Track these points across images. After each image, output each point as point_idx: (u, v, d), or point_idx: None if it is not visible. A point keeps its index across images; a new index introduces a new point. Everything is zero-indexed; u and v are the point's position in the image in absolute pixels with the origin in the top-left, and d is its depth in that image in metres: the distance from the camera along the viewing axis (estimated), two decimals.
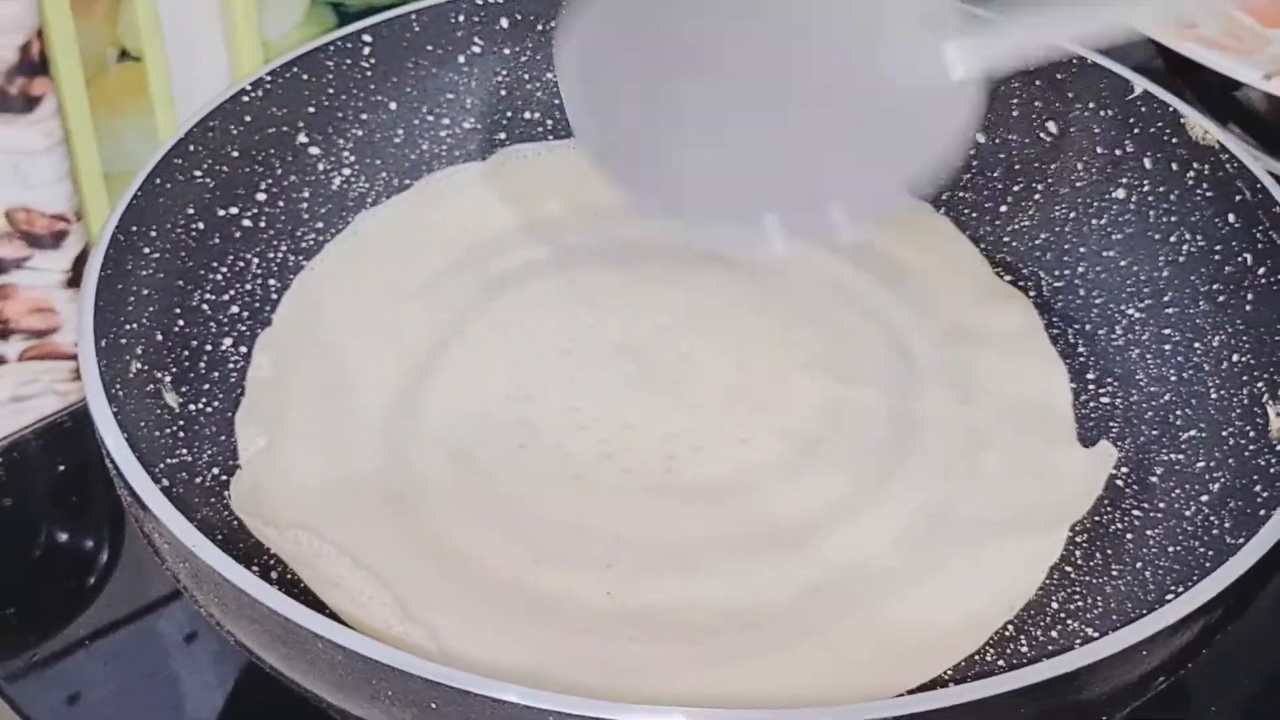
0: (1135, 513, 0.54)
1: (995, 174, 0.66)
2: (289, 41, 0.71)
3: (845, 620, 0.51)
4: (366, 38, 0.65)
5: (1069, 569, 0.53)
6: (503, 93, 0.68)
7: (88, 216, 0.69)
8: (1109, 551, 0.53)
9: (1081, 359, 0.60)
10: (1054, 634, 0.51)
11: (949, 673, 0.50)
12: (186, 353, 0.57)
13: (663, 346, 0.59)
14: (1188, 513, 0.54)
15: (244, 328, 0.60)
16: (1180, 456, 0.56)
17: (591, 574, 0.52)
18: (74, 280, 0.69)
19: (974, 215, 0.65)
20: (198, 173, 0.60)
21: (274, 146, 0.63)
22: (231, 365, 0.59)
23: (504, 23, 0.67)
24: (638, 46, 0.54)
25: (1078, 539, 0.54)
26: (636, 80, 0.54)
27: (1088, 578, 0.53)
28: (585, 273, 0.62)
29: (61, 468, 0.65)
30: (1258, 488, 0.52)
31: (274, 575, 0.52)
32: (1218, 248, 0.59)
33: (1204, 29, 0.73)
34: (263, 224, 0.62)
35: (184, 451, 0.55)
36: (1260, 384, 0.55)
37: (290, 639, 0.45)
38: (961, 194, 0.66)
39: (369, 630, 0.49)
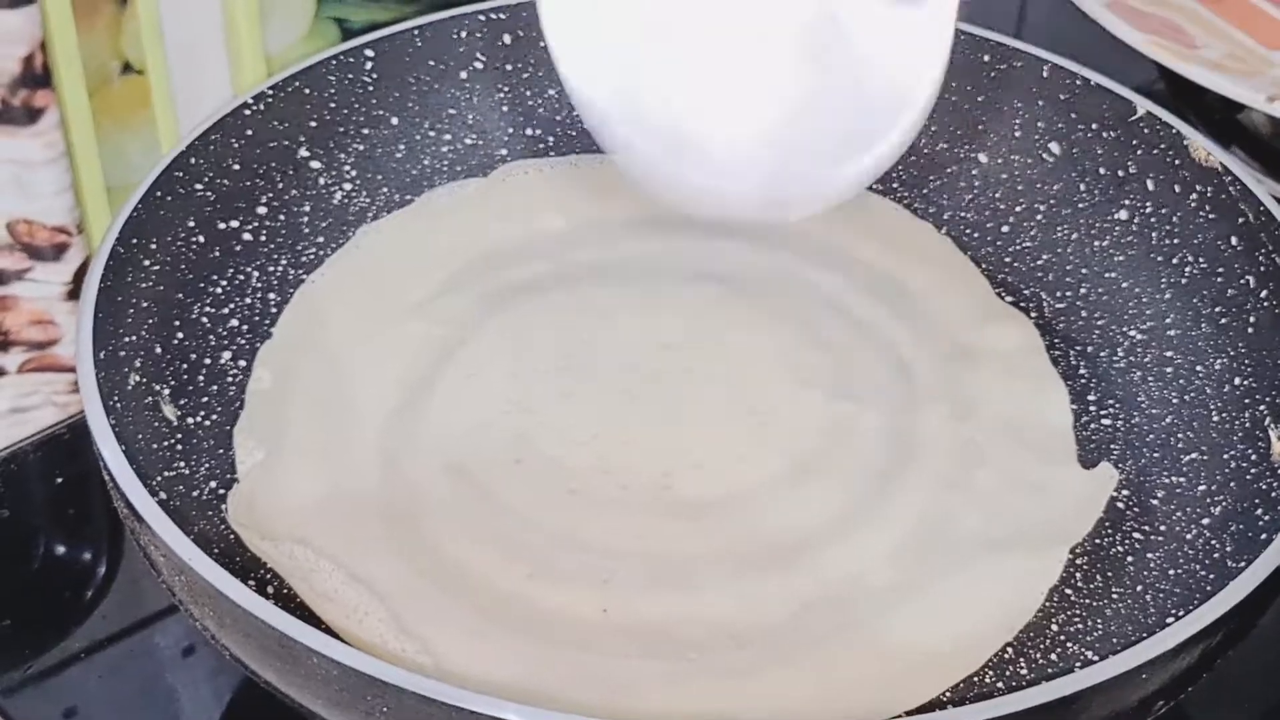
0: (1136, 535, 0.54)
1: (997, 194, 0.66)
2: (292, 56, 0.72)
3: (843, 638, 0.51)
4: (369, 52, 0.65)
5: (1069, 591, 0.53)
6: (504, 109, 0.68)
7: (89, 229, 0.69)
8: (1109, 574, 0.53)
9: (1083, 380, 0.60)
10: (1053, 656, 0.51)
11: (947, 694, 0.50)
12: (185, 366, 0.57)
13: (663, 363, 0.59)
14: (1189, 536, 0.53)
15: (243, 341, 0.60)
16: (1181, 479, 0.56)
17: (588, 590, 0.52)
18: (74, 293, 0.69)
19: (976, 235, 0.65)
20: (199, 186, 0.60)
21: (275, 160, 0.63)
22: (230, 379, 0.58)
23: (506, 39, 0.67)
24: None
25: (1078, 561, 0.54)
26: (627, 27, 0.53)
27: (1088, 600, 0.52)
28: (586, 288, 0.62)
29: (60, 480, 0.65)
30: (1259, 511, 0.52)
31: (270, 590, 0.52)
32: (1220, 270, 0.59)
33: (1207, 51, 0.73)
34: (263, 238, 0.62)
35: (181, 464, 0.55)
36: (1262, 407, 0.55)
37: (285, 654, 0.45)
38: (964, 214, 0.66)
39: (364, 645, 0.49)
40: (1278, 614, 0.49)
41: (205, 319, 0.59)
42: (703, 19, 0.53)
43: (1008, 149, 0.66)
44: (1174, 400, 0.58)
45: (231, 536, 0.53)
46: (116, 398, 0.53)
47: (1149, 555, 0.54)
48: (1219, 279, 0.59)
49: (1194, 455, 0.56)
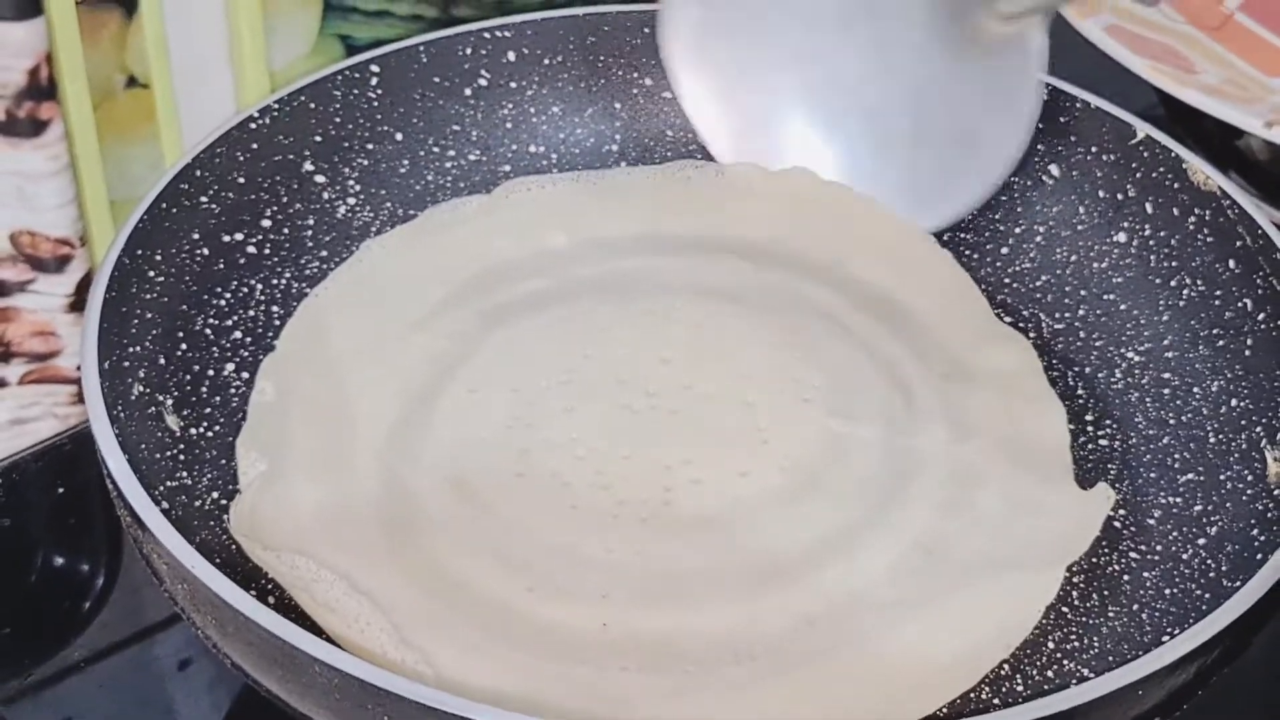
0: (1133, 555, 0.55)
1: (997, 215, 0.66)
2: (296, 72, 0.72)
3: (840, 653, 0.51)
4: (374, 68, 0.66)
5: (1065, 609, 0.53)
6: (508, 125, 0.68)
7: (92, 242, 0.69)
8: (1106, 593, 0.53)
9: (1081, 401, 0.60)
10: (1050, 674, 0.51)
11: (944, 710, 0.50)
12: (189, 377, 0.57)
13: (664, 379, 0.59)
14: (1185, 555, 0.54)
15: (246, 353, 0.60)
16: (1178, 500, 0.56)
17: (587, 604, 0.52)
18: (77, 305, 0.69)
19: (975, 256, 0.66)
20: (204, 198, 0.60)
21: (280, 174, 0.63)
22: (233, 390, 0.59)
23: (510, 56, 0.68)
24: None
25: (1074, 579, 0.54)
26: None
27: (1084, 618, 0.53)
28: (587, 304, 0.62)
29: (61, 490, 0.65)
30: (1255, 531, 0.52)
31: (271, 600, 0.52)
32: (1218, 293, 0.60)
33: (1206, 77, 0.73)
34: (267, 251, 0.62)
35: (184, 474, 0.55)
36: (1259, 429, 0.55)
37: (287, 662, 0.45)
38: (963, 234, 0.66)
39: (364, 655, 0.49)
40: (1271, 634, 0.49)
41: (209, 331, 0.59)
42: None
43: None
44: (1171, 421, 0.58)
45: (233, 546, 0.53)
46: (120, 407, 0.53)
47: (1145, 574, 0.54)
48: (1217, 301, 0.59)
49: (1190, 476, 0.56)
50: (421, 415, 0.58)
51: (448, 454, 0.56)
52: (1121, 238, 0.63)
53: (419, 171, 0.67)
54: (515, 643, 0.51)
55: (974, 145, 0.64)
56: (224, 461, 0.56)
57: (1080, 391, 0.61)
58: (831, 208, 0.67)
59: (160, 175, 0.60)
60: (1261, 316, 0.58)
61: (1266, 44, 0.77)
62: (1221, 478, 0.55)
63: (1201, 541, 0.54)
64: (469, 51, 0.67)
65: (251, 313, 0.61)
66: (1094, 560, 0.54)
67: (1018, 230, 0.66)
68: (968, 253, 0.66)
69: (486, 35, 0.67)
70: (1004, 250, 0.65)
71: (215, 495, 0.55)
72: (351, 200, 0.65)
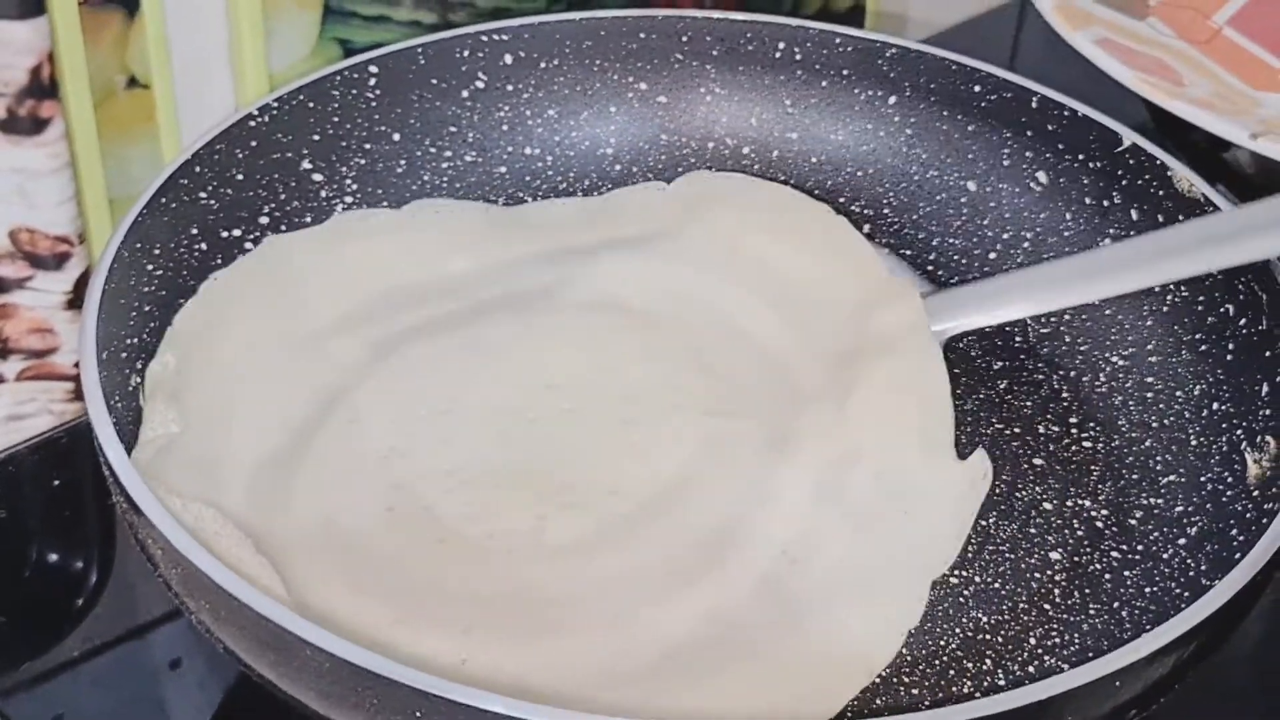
0: (1114, 554, 0.55)
1: (985, 221, 0.67)
2: (295, 75, 0.72)
3: (719, 673, 0.50)
4: (373, 69, 0.66)
5: (1047, 607, 0.54)
6: (504, 127, 0.68)
7: (90, 240, 0.69)
8: (1087, 591, 0.54)
9: (1065, 404, 0.61)
10: (1031, 669, 0.52)
11: (925, 704, 0.50)
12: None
13: (546, 404, 0.58)
14: (1165, 555, 0.54)
15: None
16: (1159, 501, 0.57)
17: (449, 639, 0.50)
18: (74, 302, 0.69)
19: (964, 261, 0.66)
20: (203, 194, 0.61)
21: (278, 172, 0.64)
22: None
23: (507, 59, 0.68)
24: None
25: (1057, 578, 0.54)
26: None
27: (1065, 615, 0.53)
28: (479, 328, 0.61)
29: (56, 483, 0.65)
30: (1234, 531, 0.53)
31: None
32: (1201, 298, 0.60)
33: (1194, 90, 0.73)
34: None
35: None
36: (1239, 432, 0.56)
37: (279, 645, 0.45)
38: (952, 240, 0.67)
39: None
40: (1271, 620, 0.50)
41: None
42: None
43: (996, 177, 0.67)
44: (1154, 424, 0.59)
45: None
46: (117, 398, 0.53)
47: (1126, 573, 0.54)
48: (1199, 307, 0.60)
49: (1172, 477, 0.57)
50: (300, 446, 0.56)
51: (321, 486, 0.55)
52: (1107, 243, 0.64)
53: (415, 172, 0.67)
54: None
55: None
56: None
57: (1065, 394, 0.61)
58: (730, 198, 0.67)
59: (159, 172, 0.60)
60: (1243, 322, 0.58)
61: (1254, 58, 0.78)
62: (1202, 479, 0.56)
63: (1182, 541, 0.54)
64: (466, 54, 0.68)
65: None
66: (1076, 559, 0.55)
67: (1005, 236, 0.66)
68: (956, 258, 0.66)
69: (484, 38, 0.68)
70: (992, 255, 0.66)
71: None
72: (349, 199, 0.65)
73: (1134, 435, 0.59)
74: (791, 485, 0.56)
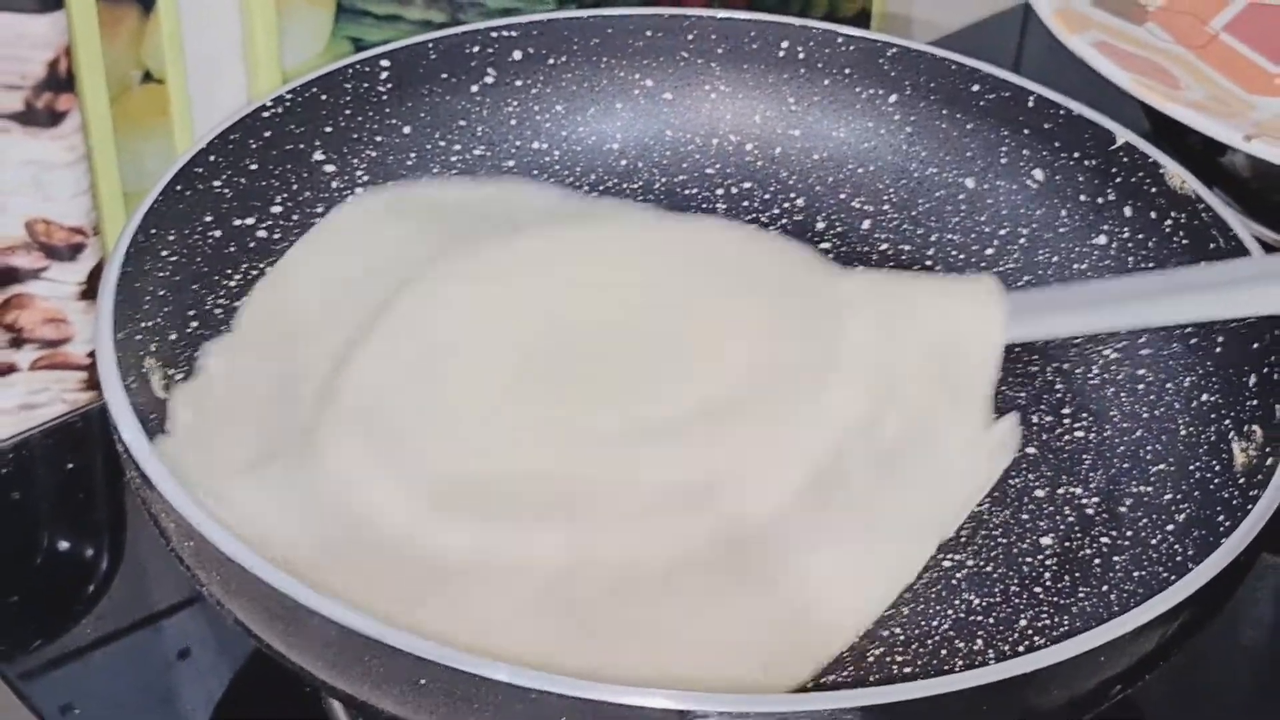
0: (1104, 540, 0.56)
1: (982, 218, 0.67)
2: (307, 71, 0.73)
3: (721, 601, 0.52)
4: (384, 63, 0.66)
5: (1039, 590, 0.54)
6: (513, 122, 0.69)
7: (104, 232, 0.70)
8: (1077, 575, 0.55)
9: (1059, 395, 0.61)
10: (1020, 649, 0.52)
11: (914, 669, 0.52)
12: (197, 354, 0.58)
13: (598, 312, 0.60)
14: (1154, 541, 0.55)
15: None
16: (1149, 489, 0.57)
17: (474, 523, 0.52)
18: (88, 293, 0.70)
19: (962, 256, 0.67)
20: (217, 182, 0.61)
21: (291, 162, 0.64)
22: None
23: (516, 55, 0.69)
24: None
25: (1049, 563, 0.55)
26: None
27: (1055, 599, 0.54)
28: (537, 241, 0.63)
29: (70, 467, 0.66)
30: (1220, 518, 0.53)
31: None
32: None
33: (1189, 93, 0.74)
34: (277, 235, 0.63)
35: None
36: (1227, 422, 0.57)
37: (289, 616, 0.46)
38: (950, 236, 0.67)
39: None
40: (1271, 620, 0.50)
41: (219, 310, 0.60)
42: None
43: (994, 175, 0.68)
44: (1144, 415, 0.60)
45: None
46: (131, 379, 0.54)
47: (1115, 558, 0.55)
48: None
49: (1161, 466, 0.58)
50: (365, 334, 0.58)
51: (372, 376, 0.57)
52: (1101, 240, 0.65)
53: (425, 164, 0.67)
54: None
55: None
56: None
57: (1059, 385, 0.62)
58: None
59: (175, 160, 0.60)
60: None
61: (1249, 62, 0.79)
62: (1191, 468, 0.57)
63: (1170, 528, 0.55)
64: (476, 50, 0.68)
65: None
66: (1067, 544, 0.56)
67: (1002, 233, 0.67)
68: (954, 254, 0.67)
69: (494, 35, 0.68)
70: (988, 252, 0.67)
71: None
72: (359, 189, 0.66)
73: (1125, 425, 0.60)
74: (838, 406, 0.56)
